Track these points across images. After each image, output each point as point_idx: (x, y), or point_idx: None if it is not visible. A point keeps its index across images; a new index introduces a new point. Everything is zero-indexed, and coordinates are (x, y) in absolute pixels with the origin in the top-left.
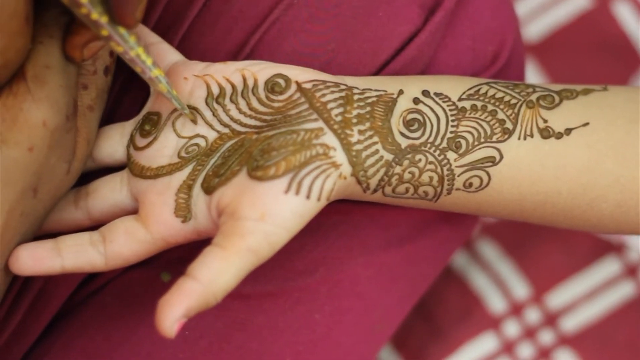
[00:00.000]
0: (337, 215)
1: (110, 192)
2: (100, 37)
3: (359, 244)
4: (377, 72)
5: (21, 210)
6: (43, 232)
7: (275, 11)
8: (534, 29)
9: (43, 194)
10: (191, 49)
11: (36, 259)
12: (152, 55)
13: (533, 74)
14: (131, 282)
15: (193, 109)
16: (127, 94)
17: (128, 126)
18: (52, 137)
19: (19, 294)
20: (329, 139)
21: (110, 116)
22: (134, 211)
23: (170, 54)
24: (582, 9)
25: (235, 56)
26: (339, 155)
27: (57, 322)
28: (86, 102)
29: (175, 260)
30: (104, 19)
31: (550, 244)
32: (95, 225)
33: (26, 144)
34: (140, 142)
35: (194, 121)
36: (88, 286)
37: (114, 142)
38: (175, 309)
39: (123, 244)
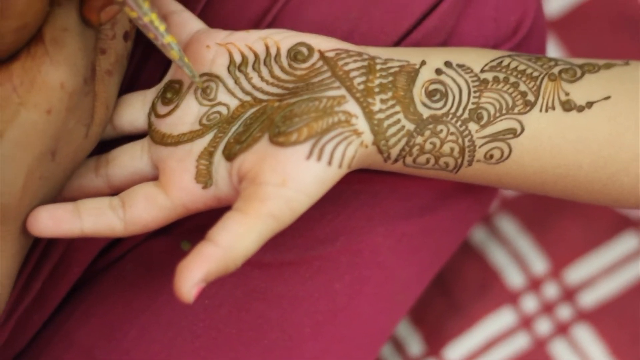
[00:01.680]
0: (357, 184)
1: (130, 159)
2: (115, 2)
3: (379, 213)
4: (399, 41)
5: (40, 174)
6: (63, 199)
7: None
8: (554, 5)
9: (62, 157)
10: (213, 17)
11: (56, 220)
12: (174, 24)
13: (553, 50)
14: (152, 250)
15: (215, 77)
16: (148, 61)
17: (149, 94)
18: (70, 100)
19: (40, 261)
20: (351, 106)
21: (132, 84)
22: (154, 179)
23: (193, 22)
24: None
25: (257, 24)
26: (361, 123)
27: (77, 290)
28: (105, 66)
29: (195, 228)
30: None
31: (568, 219)
32: (114, 193)
33: (44, 106)
34: (162, 109)
35: (204, 90)
36: (109, 254)
37: (135, 110)
38: (194, 273)
39: (143, 209)
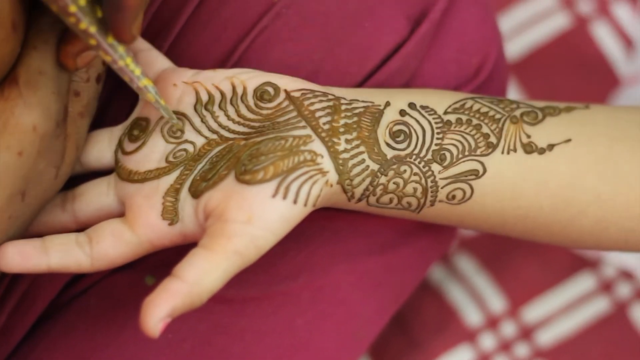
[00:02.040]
0: (320, 221)
1: (97, 195)
2: (89, 46)
3: (341, 250)
4: (363, 81)
5: (9, 214)
6: (29, 235)
7: (264, 19)
8: (514, 47)
9: (31, 197)
10: (180, 55)
11: (23, 256)
12: (142, 62)
13: (513, 91)
14: (116, 284)
15: (181, 115)
16: (114, 99)
17: (116, 131)
18: (41, 143)
19: (4, 296)
20: (317, 146)
21: (98, 120)
22: (120, 215)
23: (160, 61)
24: (561, 29)
25: (223, 63)
26: (326, 163)
27: (41, 323)
28: (77, 108)
29: (160, 263)
30: (92, 29)
31: (526, 259)
32: (81, 229)
33: (16, 148)
34: (129, 146)
35: (182, 130)
36: (73, 288)
37: (102, 147)
38: (160, 308)
39: (109, 245)
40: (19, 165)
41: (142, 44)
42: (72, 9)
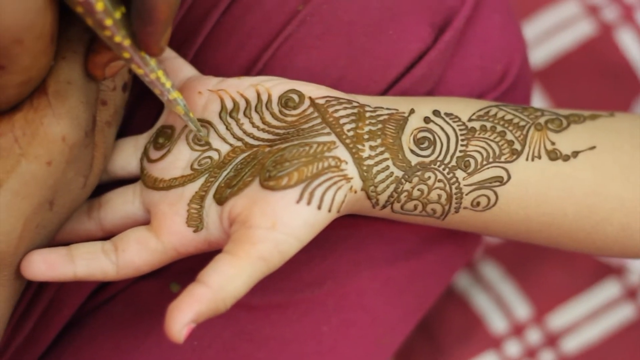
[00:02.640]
0: (344, 229)
1: (122, 203)
2: (122, 59)
3: (365, 257)
4: (387, 89)
5: (37, 223)
6: (56, 243)
7: (288, 27)
8: (538, 55)
9: (59, 206)
10: (204, 64)
11: (49, 265)
12: (167, 70)
13: (538, 99)
14: (141, 292)
15: (206, 122)
16: (139, 107)
17: (142, 139)
18: (70, 152)
19: (31, 303)
20: (341, 152)
21: (123, 129)
22: (145, 223)
23: (185, 69)
24: (586, 36)
25: (247, 71)
26: (351, 169)
27: (67, 331)
28: (105, 117)
29: (185, 270)
30: (126, 42)
31: (551, 266)
32: (106, 237)
33: (45, 158)
34: (154, 154)
35: (207, 141)
36: (98, 296)
37: (127, 155)
38: (184, 314)
39: (135, 253)
40: (48, 175)
41: (167, 52)
42: (108, 22)
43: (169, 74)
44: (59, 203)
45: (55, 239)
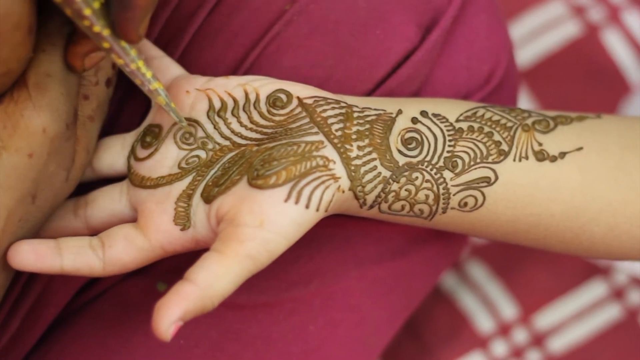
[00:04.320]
0: (331, 228)
1: (109, 202)
2: (102, 49)
3: (352, 256)
4: (374, 88)
5: (20, 216)
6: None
7: (276, 27)
8: (525, 55)
9: (41, 200)
10: (191, 63)
11: (38, 255)
12: (154, 69)
13: (525, 100)
14: (128, 290)
15: (194, 121)
16: (126, 105)
17: (129, 137)
18: (51, 145)
19: (18, 300)
20: (329, 152)
21: (110, 127)
22: (132, 221)
23: (172, 68)
24: (572, 37)
25: (234, 70)
26: (339, 169)
27: (53, 329)
28: (87, 112)
29: (171, 270)
30: (106, 32)
31: (538, 266)
32: (92, 235)
33: (26, 150)
34: (141, 153)
35: (192, 134)
36: (85, 294)
37: (114, 153)
38: (172, 312)
39: (122, 250)
40: (29, 167)
41: (154, 50)
42: (87, 12)
43: (157, 73)
44: (41, 197)
45: (41, 236)
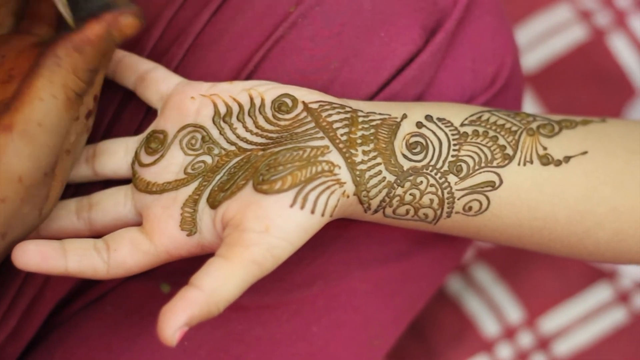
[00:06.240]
0: (334, 229)
1: (114, 205)
2: None
3: (356, 258)
4: (378, 91)
5: None
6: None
7: (280, 29)
8: (531, 60)
9: (12, 236)
10: (194, 65)
11: (43, 256)
12: (154, 80)
13: (530, 104)
14: (131, 292)
15: (200, 127)
16: (125, 109)
17: (132, 143)
18: (26, 192)
19: (16, 296)
20: (334, 157)
21: (109, 131)
22: (135, 225)
23: (169, 77)
24: (579, 42)
25: (238, 73)
26: (344, 174)
27: (57, 331)
28: (65, 147)
29: (175, 271)
30: None
31: (543, 269)
32: (94, 236)
33: None
34: (146, 159)
35: (197, 140)
36: (87, 295)
37: (118, 159)
38: (177, 317)
39: (127, 254)
40: (1, 211)
41: (148, 63)
42: None
43: (157, 83)
44: (12, 234)
45: (42, 236)
